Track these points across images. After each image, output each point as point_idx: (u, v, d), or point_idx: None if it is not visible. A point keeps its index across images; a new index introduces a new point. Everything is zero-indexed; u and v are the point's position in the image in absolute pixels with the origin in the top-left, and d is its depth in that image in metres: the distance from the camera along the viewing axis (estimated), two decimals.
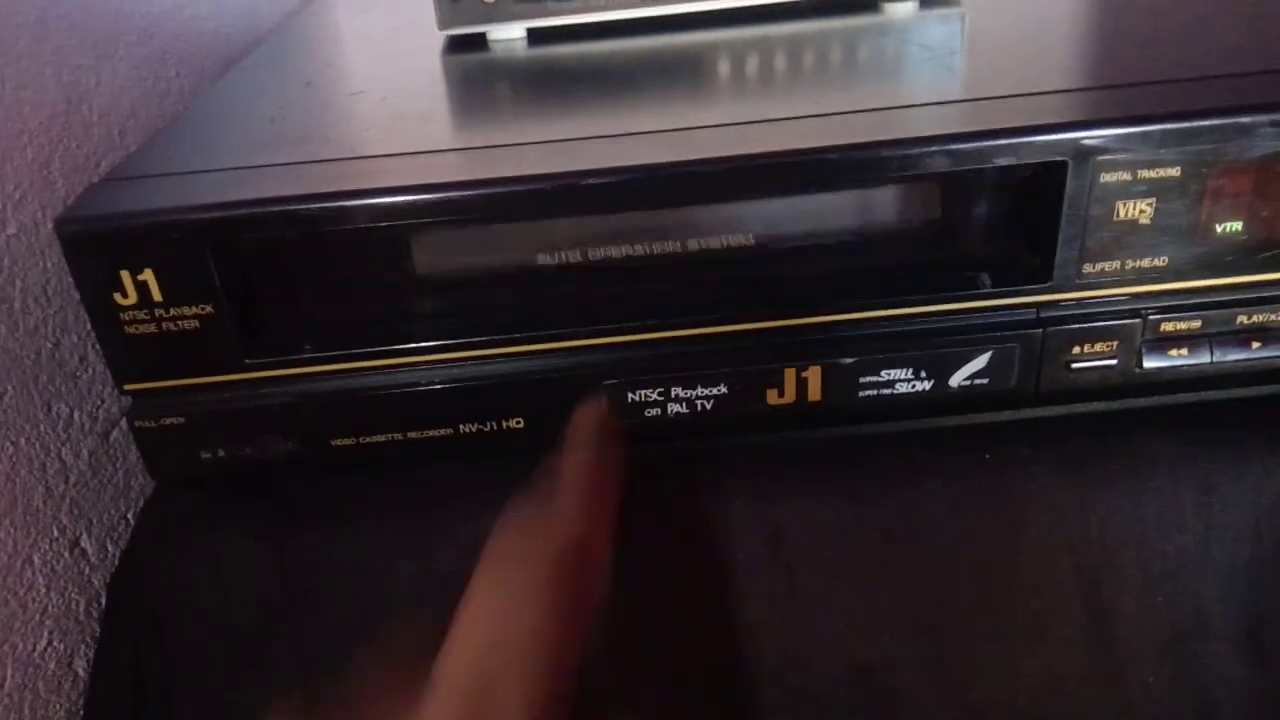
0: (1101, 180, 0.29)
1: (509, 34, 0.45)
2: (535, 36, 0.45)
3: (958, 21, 0.42)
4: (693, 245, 0.31)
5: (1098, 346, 0.32)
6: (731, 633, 0.33)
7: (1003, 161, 0.29)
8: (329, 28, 0.53)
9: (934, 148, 0.29)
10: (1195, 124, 0.29)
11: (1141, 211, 0.30)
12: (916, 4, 0.45)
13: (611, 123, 0.33)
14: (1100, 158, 0.29)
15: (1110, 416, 0.35)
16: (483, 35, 0.45)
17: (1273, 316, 0.32)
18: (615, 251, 0.31)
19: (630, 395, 0.32)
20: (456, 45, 0.45)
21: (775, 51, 0.41)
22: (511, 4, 0.44)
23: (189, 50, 0.47)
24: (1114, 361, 0.32)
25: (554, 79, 0.41)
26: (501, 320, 0.31)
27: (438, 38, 0.46)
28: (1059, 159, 0.29)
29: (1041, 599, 0.33)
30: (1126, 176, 0.29)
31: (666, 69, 0.40)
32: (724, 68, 0.40)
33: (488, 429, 0.32)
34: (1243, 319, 0.32)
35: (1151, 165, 0.29)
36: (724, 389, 0.32)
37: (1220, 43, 0.36)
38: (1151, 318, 0.32)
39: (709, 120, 0.32)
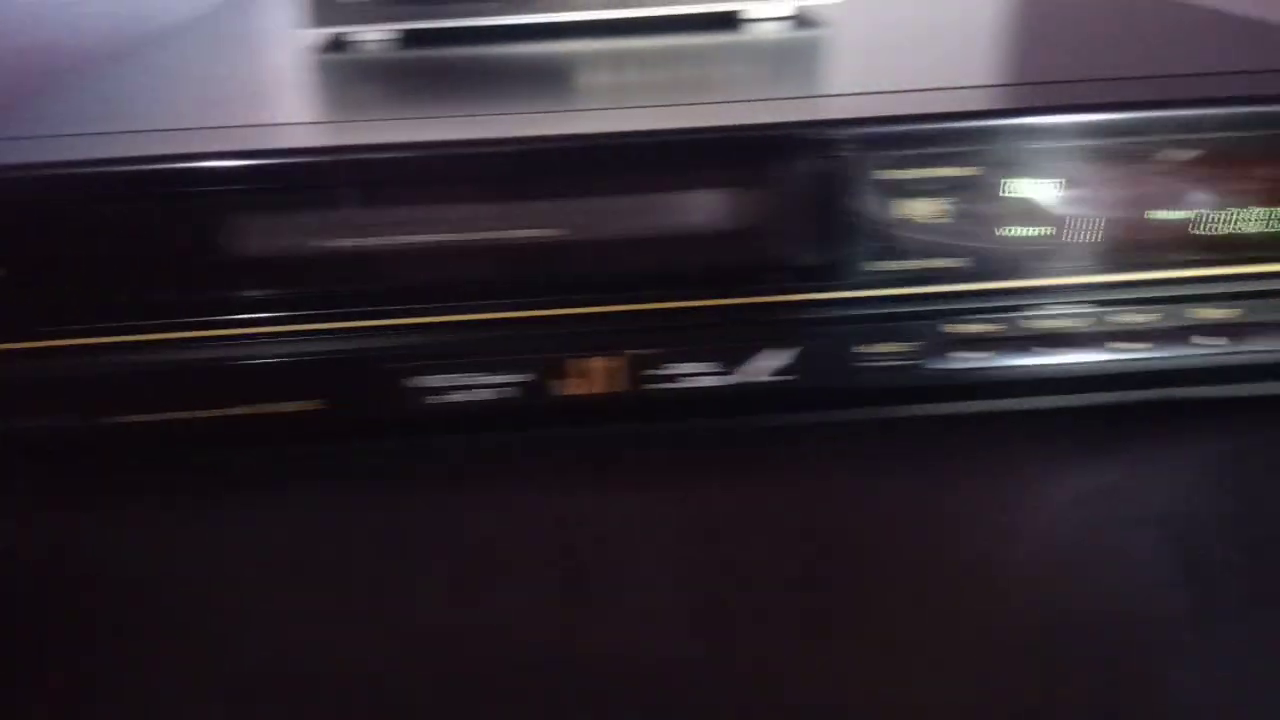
0: (889, 178, 0.30)
1: (377, 35, 0.46)
2: (411, 39, 0.46)
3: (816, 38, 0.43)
4: (489, 235, 0.31)
5: (891, 346, 0.33)
6: (520, 630, 0.33)
7: (792, 156, 0.30)
8: (210, 25, 0.54)
9: (714, 137, 0.30)
10: (984, 124, 0.30)
11: (927, 211, 0.31)
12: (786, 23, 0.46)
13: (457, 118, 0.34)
14: (884, 154, 0.30)
15: (919, 420, 0.35)
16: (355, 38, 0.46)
17: (1065, 323, 0.33)
18: (411, 236, 0.31)
19: (417, 381, 0.32)
20: (329, 47, 0.46)
21: (630, 63, 0.42)
22: (377, 6, 0.45)
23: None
24: (908, 362, 0.33)
25: (415, 78, 0.42)
26: (293, 298, 0.31)
27: (311, 37, 0.46)
28: (841, 155, 0.30)
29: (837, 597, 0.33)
30: (917, 175, 0.30)
31: (523, 73, 0.41)
32: (583, 76, 0.41)
33: (283, 410, 0.32)
34: (1037, 325, 0.33)
35: (942, 164, 0.30)
36: (516, 377, 0.32)
37: (1023, 52, 0.37)
38: (945, 318, 0.32)
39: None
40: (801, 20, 0.46)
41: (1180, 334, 0.33)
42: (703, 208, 0.31)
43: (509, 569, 0.33)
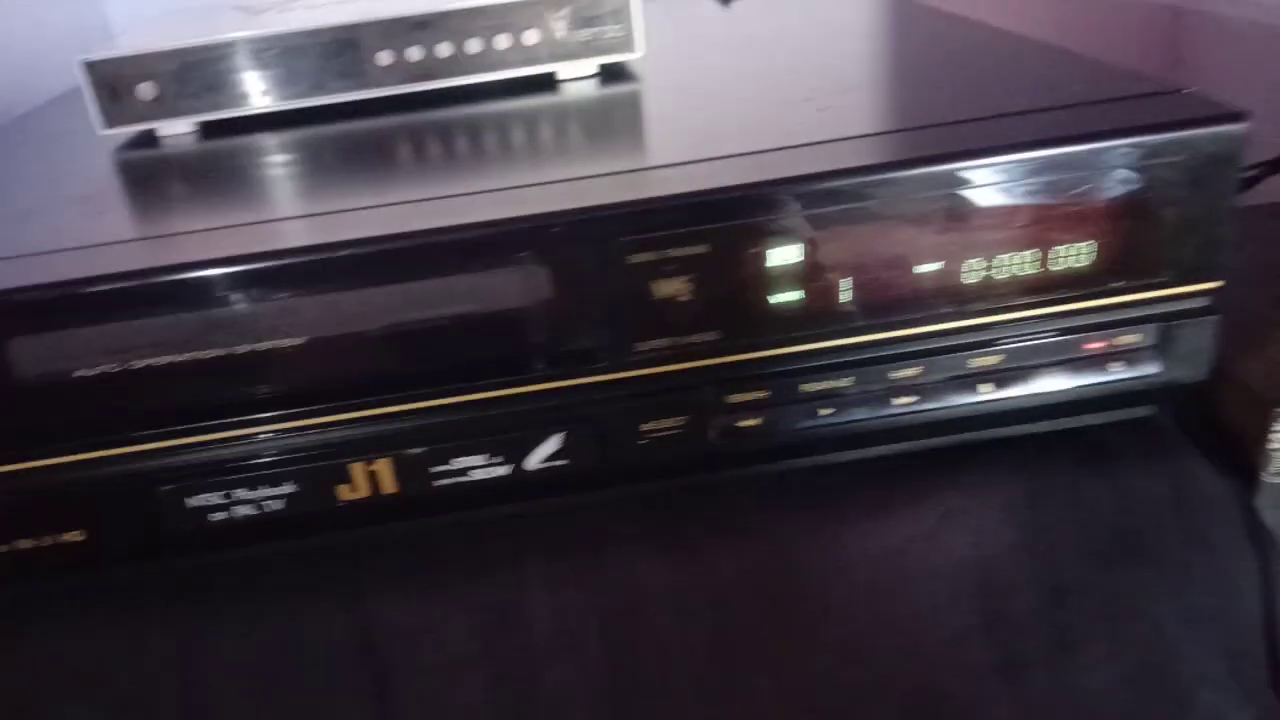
0: (630, 261, 0.30)
1: (177, 129, 0.45)
2: (210, 130, 0.45)
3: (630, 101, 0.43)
4: (243, 347, 0.30)
5: (667, 422, 0.32)
6: None
7: (535, 250, 0.30)
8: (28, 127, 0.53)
9: (458, 236, 0.29)
10: (717, 199, 0.30)
11: (679, 289, 0.31)
12: (596, 81, 0.46)
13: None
14: (620, 240, 0.30)
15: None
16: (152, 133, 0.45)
17: (836, 384, 0.33)
18: (167, 356, 0.31)
19: (188, 500, 0.31)
20: (129, 144, 0.45)
21: (438, 135, 0.41)
22: (175, 100, 0.44)
23: None
24: (684, 433, 0.32)
25: (221, 169, 0.41)
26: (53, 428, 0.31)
27: (113, 137, 0.45)
28: (578, 242, 0.29)
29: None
30: (654, 256, 0.30)
31: (340, 154, 0.41)
32: (396, 154, 0.40)
33: (44, 543, 0.31)
34: (806, 387, 0.33)
35: (680, 244, 0.30)
36: (292, 488, 0.32)
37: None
38: (715, 389, 0.32)
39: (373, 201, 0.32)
40: (609, 76, 0.46)
41: (958, 383, 0.33)
42: (472, 301, 0.31)
43: (314, 681, 0.33)
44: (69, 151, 0.46)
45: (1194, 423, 0.37)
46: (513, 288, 0.30)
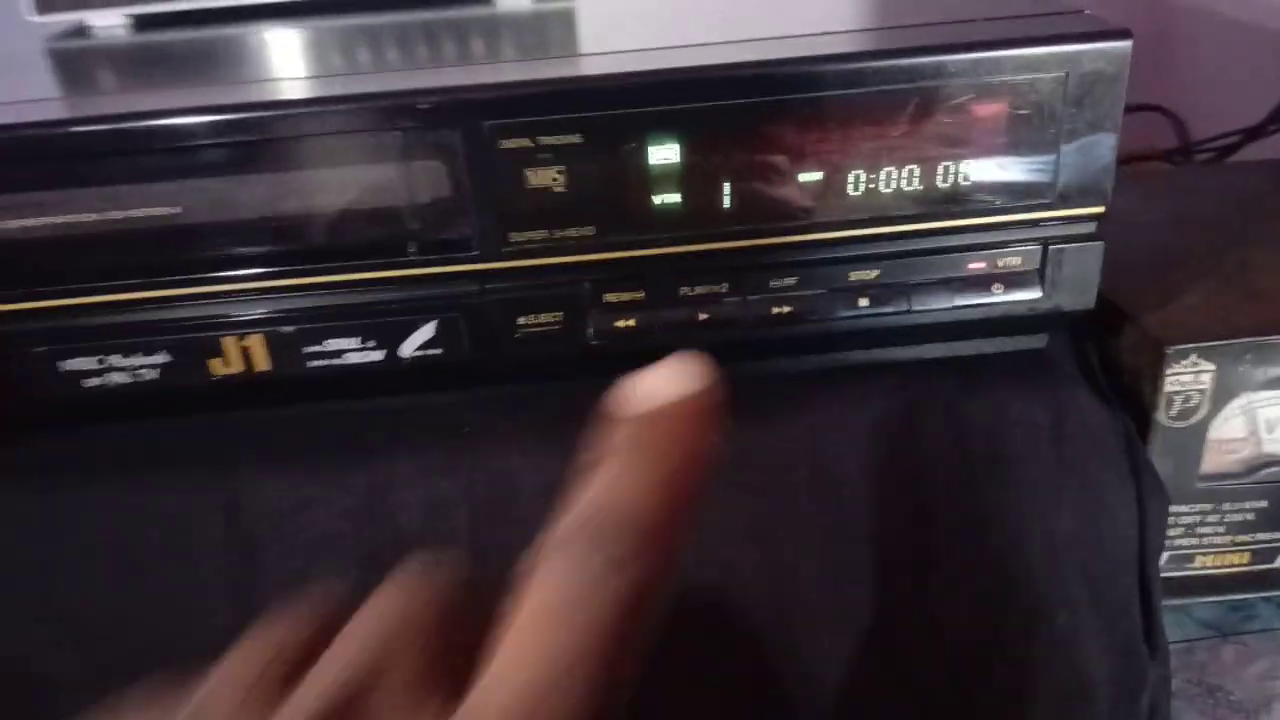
0: (501, 147, 0.30)
1: (109, 20, 0.45)
2: (144, 23, 0.45)
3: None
4: (122, 214, 0.31)
5: (543, 317, 0.32)
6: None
7: (404, 125, 0.30)
8: None
9: (332, 109, 0.29)
10: (589, 86, 0.29)
11: (554, 179, 0.31)
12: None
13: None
14: (491, 123, 0.29)
15: None
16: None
17: (716, 288, 0.33)
18: (49, 216, 0.31)
19: (62, 365, 0.32)
20: (63, 34, 0.45)
21: (363, 38, 0.41)
22: None
23: None
24: (561, 330, 0.32)
25: (157, 61, 0.41)
26: None
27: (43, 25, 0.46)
28: (447, 123, 0.29)
29: None
30: (528, 143, 0.30)
31: (272, 51, 0.41)
32: (317, 57, 0.40)
33: None
34: (684, 290, 0.32)
35: (553, 131, 0.30)
36: (166, 358, 0.32)
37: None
38: (593, 286, 0.32)
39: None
40: None
41: (837, 295, 0.33)
42: (347, 182, 0.31)
43: (180, 553, 0.33)
44: None
45: (1089, 360, 0.36)
46: (386, 168, 0.31)
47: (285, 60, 0.39)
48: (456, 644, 0.20)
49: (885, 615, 0.32)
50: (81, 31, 0.45)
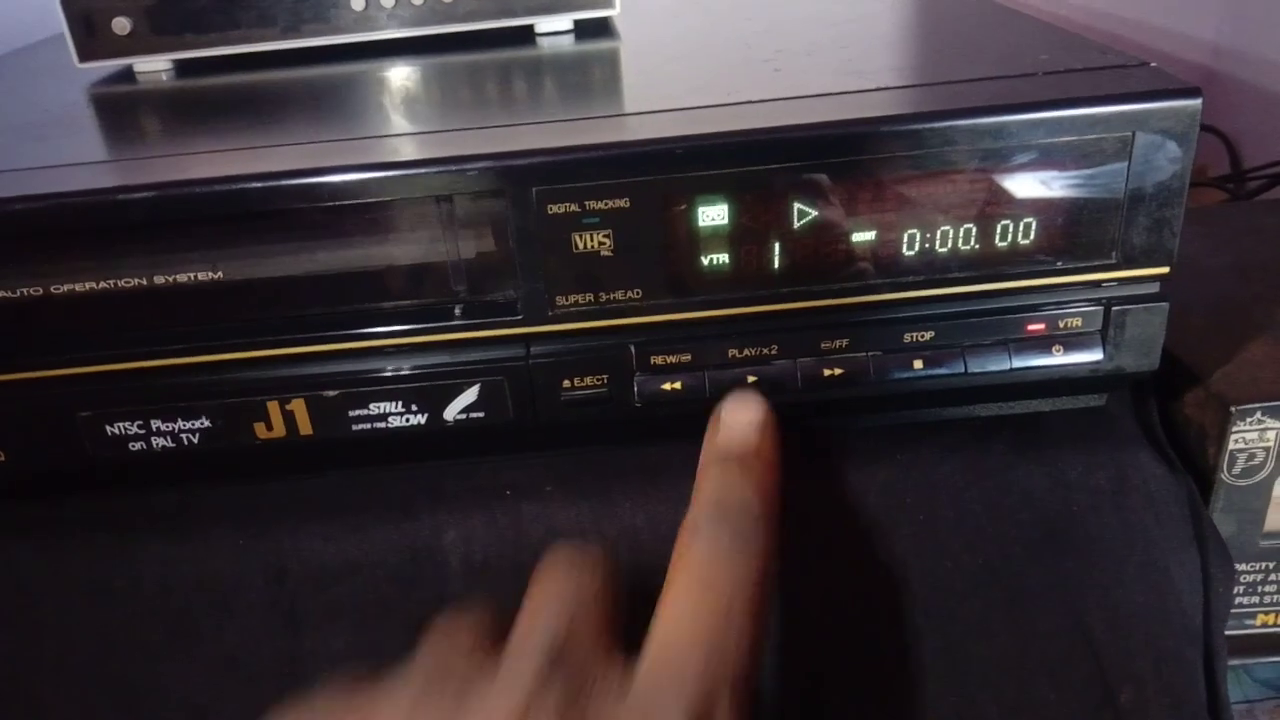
0: (549, 212, 0.29)
1: (153, 66, 0.45)
2: (185, 69, 0.45)
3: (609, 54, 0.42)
4: (166, 278, 0.30)
5: (588, 380, 0.32)
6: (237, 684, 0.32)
7: (445, 191, 0.29)
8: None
9: (374, 174, 0.29)
10: (637, 151, 0.29)
11: (600, 243, 0.30)
12: (572, 36, 0.45)
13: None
14: (539, 189, 0.29)
15: None
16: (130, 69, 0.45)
17: (765, 350, 0.32)
18: (94, 281, 0.31)
19: (108, 428, 0.31)
20: (107, 80, 0.45)
21: (405, 82, 0.41)
22: (151, 36, 0.45)
23: None
24: (606, 393, 0.32)
25: (199, 108, 0.41)
26: None
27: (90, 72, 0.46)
28: (495, 189, 0.29)
29: None
30: (575, 208, 0.29)
31: (315, 98, 0.40)
32: (371, 96, 0.40)
33: None
34: (733, 352, 0.32)
35: (601, 196, 0.29)
36: (209, 422, 0.32)
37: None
38: (639, 349, 0.31)
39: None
40: (585, 31, 0.45)
41: (891, 357, 0.32)
42: (393, 246, 0.31)
43: (224, 617, 0.33)
44: (42, 85, 0.46)
45: (1150, 418, 0.35)
46: (432, 232, 0.30)
47: (327, 110, 0.38)
48: (616, 610, 0.25)
49: (944, 680, 0.31)
50: (126, 76, 0.45)
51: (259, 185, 0.29)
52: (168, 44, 0.45)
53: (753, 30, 0.44)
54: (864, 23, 0.44)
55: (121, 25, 0.44)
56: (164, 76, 0.45)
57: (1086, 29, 0.75)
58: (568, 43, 0.44)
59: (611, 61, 0.41)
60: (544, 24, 0.45)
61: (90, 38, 0.44)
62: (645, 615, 0.24)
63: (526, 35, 0.45)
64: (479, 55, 0.43)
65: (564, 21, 0.45)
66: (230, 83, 0.43)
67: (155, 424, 0.31)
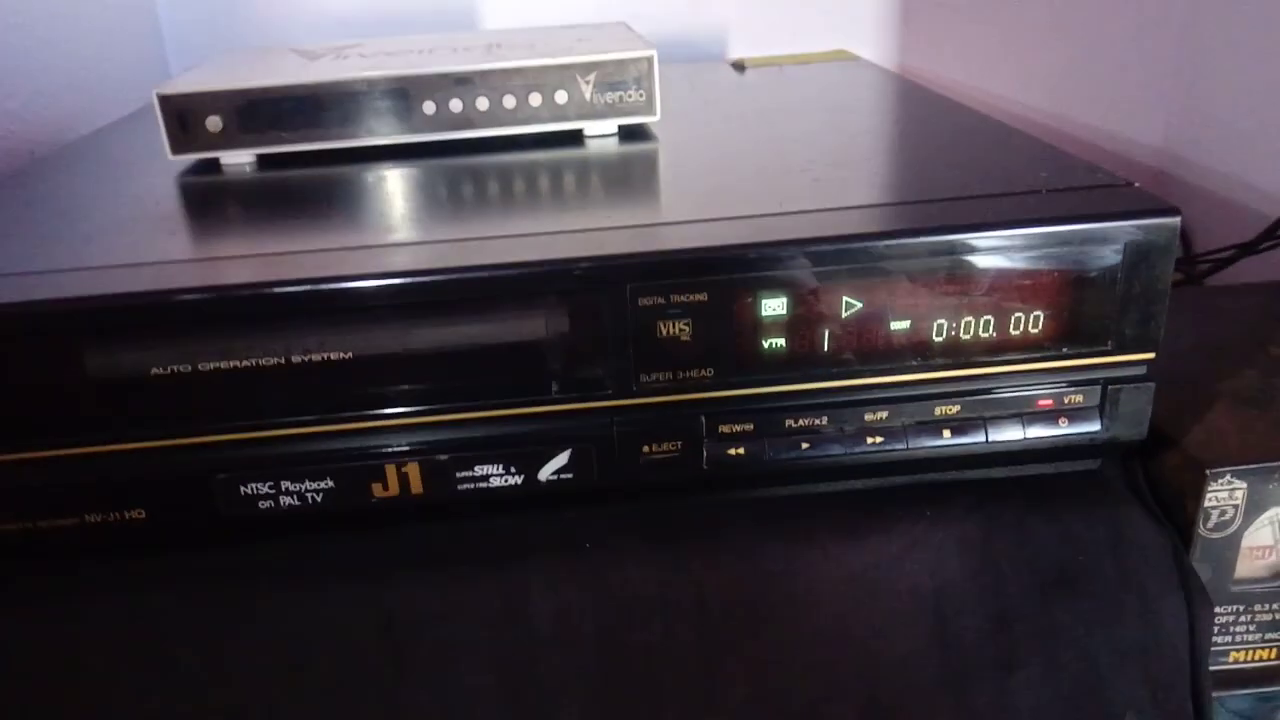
0: (639, 304, 0.34)
1: (238, 160, 0.50)
2: (266, 162, 0.50)
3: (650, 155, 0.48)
4: (298, 357, 0.35)
5: (664, 446, 0.37)
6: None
7: (552, 286, 0.34)
8: (93, 150, 0.57)
9: (499, 274, 0.34)
10: (716, 256, 0.34)
11: (681, 330, 0.35)
12: (616, 139, 0.51)
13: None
14: (632, 285, 0.34)
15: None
16: (217, 161, 0.50)
17: (817, 421, 0.37)
18: (222, 359, 0.35)
19: (241, 489, 0.35)
20: (193, 170, 0.50)
21: (474, 179, 0.46)
22: (238, 133, 0.49)
23: None
24: (680, 457, 0.37)
25: (275, 200, 0.46)
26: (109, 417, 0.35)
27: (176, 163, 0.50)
28: (594, 285, 0.34)
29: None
30: (661, 301, 0.34)
31: (383, 192, 0.45)
32: (434, 193, 0.45)
33: (111, 519, 0.35)
34: (789, 422, 0.37)
35: (683, 291, 0.34)
36: (332, 483, 0.36)
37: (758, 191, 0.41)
38: (708, 420, 0.37)
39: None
40: (629, 135, 0.51)
41: (923, 427, 0.37)
42: (498, 330, 0.36)
43: (338, 659, 0.36)
44: (138, 175, 0.50)
45: (1137, 479, 0.41)
46: (536, 320, 0.35)
47: (413, 209, 0.43)
48: None
49: (980, 712, 0.35)
50: (211, 167, 0.49)
51: (394, 283, 0.34)
52: (252, 140, 0.49)
53: (784, 138, 0.50)
54: (878, 137, 0.50)
55: (215, 124, 0.48)
56: (246, 168, 0.49)
57: (1046, 131, 0.83)
58: (613, 145, 0.50)
59: (653, 162, 0.47)
60: (592, 128, 0.51)
61: (184, 133, 0.49)
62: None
63: (576, 138, 0.50)
64: (536, 154, 0.48)
65: (610, 126, 0.51)
66: (310, 175, 0.47)
67: (285, 484, 0.36)
